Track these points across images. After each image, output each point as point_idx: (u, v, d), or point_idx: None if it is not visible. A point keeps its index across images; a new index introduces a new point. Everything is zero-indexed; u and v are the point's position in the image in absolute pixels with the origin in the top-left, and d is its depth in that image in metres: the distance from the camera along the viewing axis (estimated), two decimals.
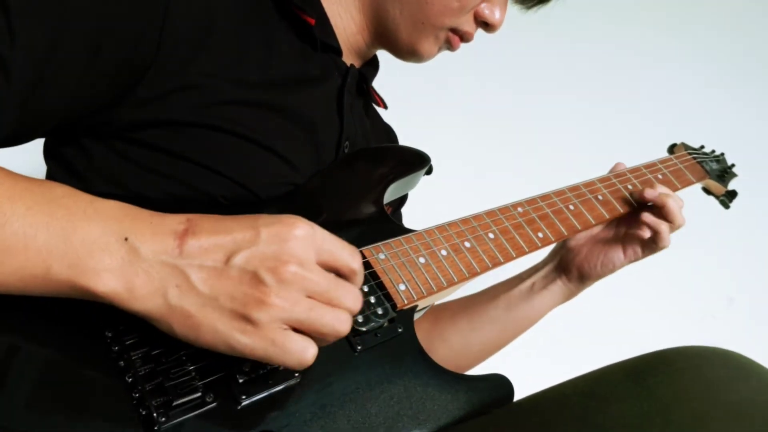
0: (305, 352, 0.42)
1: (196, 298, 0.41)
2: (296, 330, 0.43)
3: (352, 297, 0.45)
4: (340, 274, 0.45)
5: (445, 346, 0.81)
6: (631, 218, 0.80)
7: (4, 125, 0.48)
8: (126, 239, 0.42)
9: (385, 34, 0.74)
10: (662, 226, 0.77)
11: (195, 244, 0.42)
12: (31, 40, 0.46)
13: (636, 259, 0.80)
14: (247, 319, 0.41)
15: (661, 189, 0.78)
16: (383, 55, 0.81)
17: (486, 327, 0.81)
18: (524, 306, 0.82)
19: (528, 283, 0.83)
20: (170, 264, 0.41)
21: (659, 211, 0.77)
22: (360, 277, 0.47)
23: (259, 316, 0.41)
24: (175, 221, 0.43)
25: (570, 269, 0.82)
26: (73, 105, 0.52)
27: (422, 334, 0.81)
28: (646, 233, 0.79)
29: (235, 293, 0.41)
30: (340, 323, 0.43)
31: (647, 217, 0.78)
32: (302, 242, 0.43)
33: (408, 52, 0.75)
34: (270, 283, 0.41)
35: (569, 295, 0.83)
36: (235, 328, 0.41)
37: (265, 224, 0.43)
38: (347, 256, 0.45)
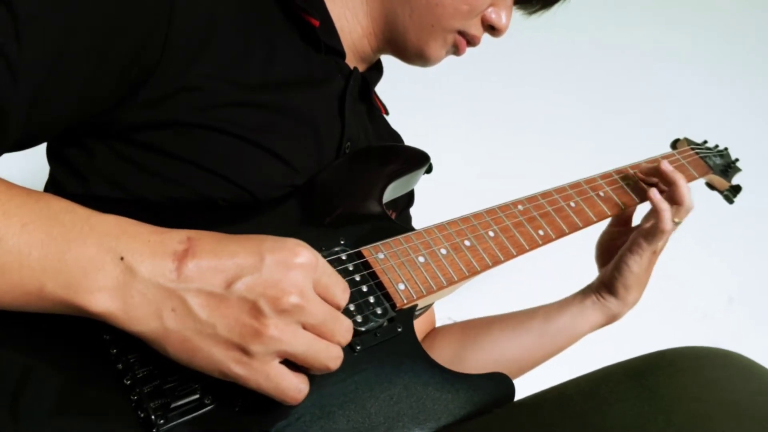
0: (299, 392, 0.43)
1: (192, 324, 0.41)
2: (289, 360, 0.43)
3: (344, 331, 0.45)
4: None
5: (477, 354, 0.82)
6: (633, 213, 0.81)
7: (13, 128, 0.47)
8: (122, 258, 0.41)
9: (393, 38, 0.74)
10: (663, 205, 0.75)
11: (194, 267, 0.41)
12: (39, 42, 0.46)
13: (643, 253, 0.78)
14: (243, 350, 0.41)
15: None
16: (385, 56, 0.81)
17: (522, 337, 0.82)
18: (561, 319, 0.82)
19: (566, 300, 0.84)
20: (167, 287, 0.40)
21: (668, 190, 0.77)
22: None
23: (255, 348, 0.40)
24: (175, 240, 0.42)
25: (596, 283, 0.83)
26: (80, 107, 0.51)
27: (454, 343, 0.83)
28: (646, 223, 0.78)
29: (233, 322, 0.40)
30: (332, 361, 0.44)
31: (654, 194, 0.76)
32: (304, 271, 0.42)
33: (416, 56, 0.75)
34: (269, 315, 0.41)
35: (607, 312, 0.82)
36: (230, 358, 0.41)
37: (269, 249, 0.42)
38: (340, 292, 0.45)
